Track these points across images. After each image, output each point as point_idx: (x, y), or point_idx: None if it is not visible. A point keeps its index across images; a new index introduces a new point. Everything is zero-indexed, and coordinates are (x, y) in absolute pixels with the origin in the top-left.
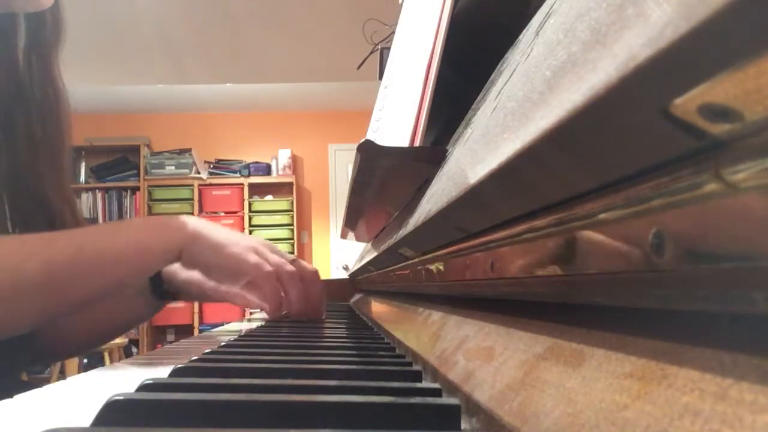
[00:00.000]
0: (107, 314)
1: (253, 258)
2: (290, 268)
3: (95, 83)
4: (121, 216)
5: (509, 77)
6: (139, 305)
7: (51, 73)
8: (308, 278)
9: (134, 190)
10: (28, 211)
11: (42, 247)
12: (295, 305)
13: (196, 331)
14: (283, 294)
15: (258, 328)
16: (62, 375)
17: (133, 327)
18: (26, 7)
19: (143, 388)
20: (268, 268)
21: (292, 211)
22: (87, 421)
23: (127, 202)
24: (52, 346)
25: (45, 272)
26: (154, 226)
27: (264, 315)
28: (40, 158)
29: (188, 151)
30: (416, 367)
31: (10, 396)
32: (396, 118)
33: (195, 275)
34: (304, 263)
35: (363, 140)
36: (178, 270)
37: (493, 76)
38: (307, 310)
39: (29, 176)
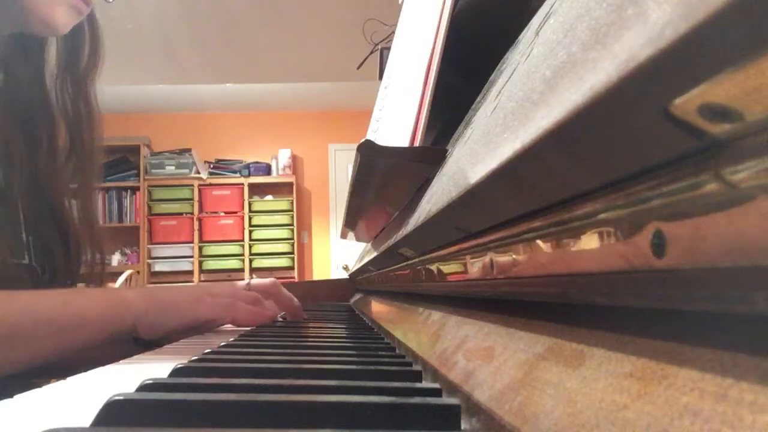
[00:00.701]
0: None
1: (206, 299)
2: (243, 293)
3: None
4: (121, 216)
5: (509, 77)
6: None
7: (86, 96)
8: (271, 291)
9: (134, 190)
10: (42, 220)
11: None
12: (249, 319)
13: None
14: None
15: (258, 328)
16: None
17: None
18: (44, 31)
19: (143, 388)
20: (205, 297)
21: (292, 211)
22: (87, 421)
23: (127, 202)
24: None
25: None
26: (107, 301)
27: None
28: (61, 172)
29: (188, 151)
30: (416, 367)
31: (10, 396)
32: (396, 118)
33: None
34: (258, 281)
35: (363, 140)
36: None
37: (493, 76)
38: (261, 320)
39: (47, 187)
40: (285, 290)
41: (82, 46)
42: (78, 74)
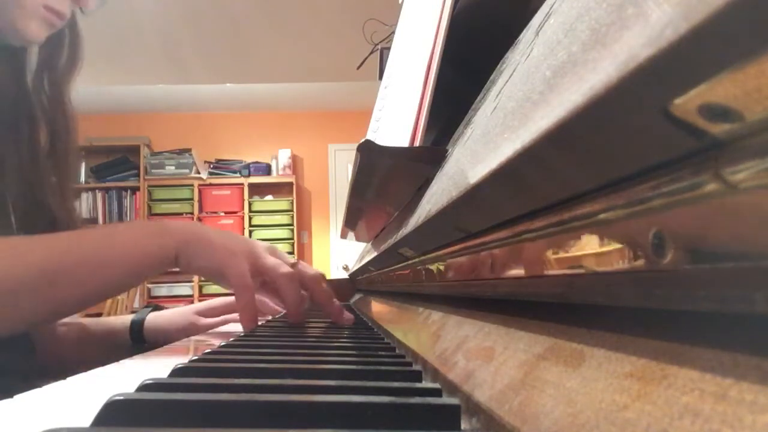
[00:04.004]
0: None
1: (238, 263)
2: (285, 269)
3: (95, 83)
4: (121, 216)
5: (509, 77)
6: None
7: (62, 97)
8: (309, 281)
9: (134, 190)
10: (31, 216)
11: (37, 248)
12: (288, 307)
13: None
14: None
15: (258, 327)
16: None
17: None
18: (18, 41)
19: (143, 388)
20: (243, 263)
21: (292, 211)
22: (87, 421)
23: (127, 202)
24: (45, 364)
25: (39, 272)
26: (150, 230)
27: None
28: (44, 169)
29: (188, 151)
30: (416, 367)
31: (10, 396)
32: (396, 118)
33: (159, 323)
34: (306, 266)
35: (363, 140)
36: (148, 320)
37: (493, 76)
38: (298, 313)
39: (33, 185)
40: (325, 287)
41: (61, 49)
42: (56, 74)
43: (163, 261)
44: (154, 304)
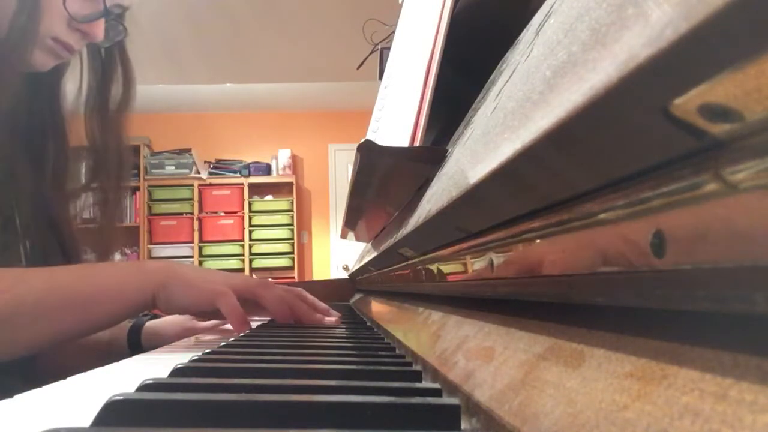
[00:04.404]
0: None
1: (217, 288)
2: (264, 282)
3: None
4: (121, 216)
5: (509, 77)
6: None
7: (117, 130)
8: (291, 302)
9: (134, 190)
10: (41, 229)
11: (12, 282)
12: (276, 309)
13: None
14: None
15: (258, 327)
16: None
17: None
18: (24, 68)
19: (143, 388)
20: (228, 292)
21: (292, 211)
22: (87, 421)
23: (127, 202)
24: (46, 370)
25: (12, 308)
26: (128, 271)
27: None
28: (69, 191)
29: (188, 151)
30: (416, 367)
31: (10, 396)
32: (396, 118)
33: (157, 329)
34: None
35: (363, 140)
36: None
37: (493, 76)
38: (294, 314)
39: (50, 203)
40: (305, 301)
41: (111, 81)
42: (106, 110)
43: (139, 302)
44: (151, 312)
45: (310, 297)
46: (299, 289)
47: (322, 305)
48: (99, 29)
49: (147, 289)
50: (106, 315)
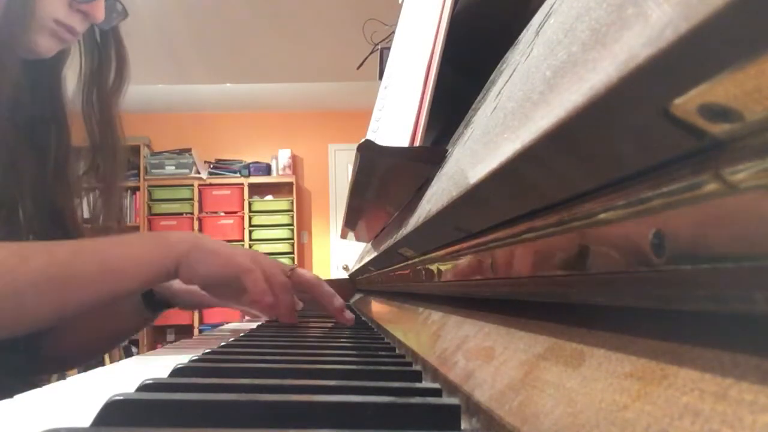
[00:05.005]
0: (103, 324)
1: (245, 263)
2: (282, 278)
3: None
4: (120, 214)
5: (509, 77)
6: (133, 318)
7: (110, 113)
8: (307, 285)
9: (134, 190)
10: (44, 221)
11: (41, 252)
12: (281, 311)
13: (196, 332)
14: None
15: (258, 327)
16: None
17: (128, 338)
18: (28, 55)
19: (143, 388)
20: (257, 270)
21: (292, 211)
22: (87, 421)
23: (127, 202)
24: (53, 354)
25: (42, 276)
26: (151, 241)
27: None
28: (72, 181)
29: (188, 151)
30: (416, 367)
31: (10, 396)
32: (396, 118)
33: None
34: (303, 272)
35: (363, 140)
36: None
37: (493, 76)
38: (291, 318)
39: (53, 193)
40: (327, 288)
41: (108, 65)
42: (104, 93)
43: (162, 272)
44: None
45: (328, 290)
46: (319, 280)
47: (340, 301)
48: (99, 9)
49: (170, 258)
50: (129, 285)
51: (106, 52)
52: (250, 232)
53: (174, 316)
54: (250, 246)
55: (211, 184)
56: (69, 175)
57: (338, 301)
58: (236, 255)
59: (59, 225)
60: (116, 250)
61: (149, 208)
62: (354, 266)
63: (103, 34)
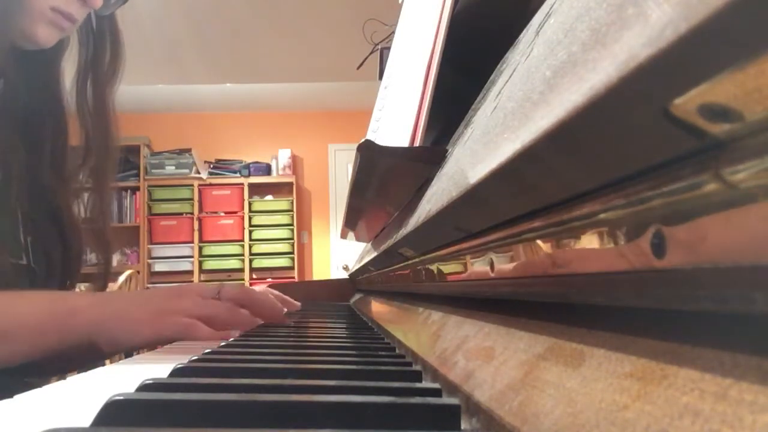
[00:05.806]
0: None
1: (177, 321)
2: (216, 304)
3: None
4: (121, 216)
5: (509, 77)
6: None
7: (105, 102)
8: (235, 300)
9: (134, 190)
10: (42, 222)
11: None
12: (247, 326)
13: None
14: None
15: (258, 328)
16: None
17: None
18: (27, 45)
19: (143, 388)
20: (192, 320)
21: (292, 211)
22: (87, 421)
23: (127, 202)
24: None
25: None
26: (47, 304)
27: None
28: (68, 176)
29: (188, 151)
30: (416, 367)
31: (10, 396)
32: (396, 118)
33: None
34: (229, 288)
35: (363, 140)
36: None
37: (493, 76)
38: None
39: (49, 191)
40: (259, 296)
41: (103, 54)
42: (99, 81)
43: (71, 341)
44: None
45: (262, 298)
46: (250, 291)
47: (278, 307)
48: None
49: (78, 328)
50: (23, 350)
51: (101, 41)
52: (250, 232)
53: None
54: (250, 246)
55: (211, 184)
56: (66, 172)
57: (277, 308)
58: (162, 313)
59: (56, 224)
60: (16, 310)
61: (149, 208)
62: (354, 266)
63: (99, 21)
